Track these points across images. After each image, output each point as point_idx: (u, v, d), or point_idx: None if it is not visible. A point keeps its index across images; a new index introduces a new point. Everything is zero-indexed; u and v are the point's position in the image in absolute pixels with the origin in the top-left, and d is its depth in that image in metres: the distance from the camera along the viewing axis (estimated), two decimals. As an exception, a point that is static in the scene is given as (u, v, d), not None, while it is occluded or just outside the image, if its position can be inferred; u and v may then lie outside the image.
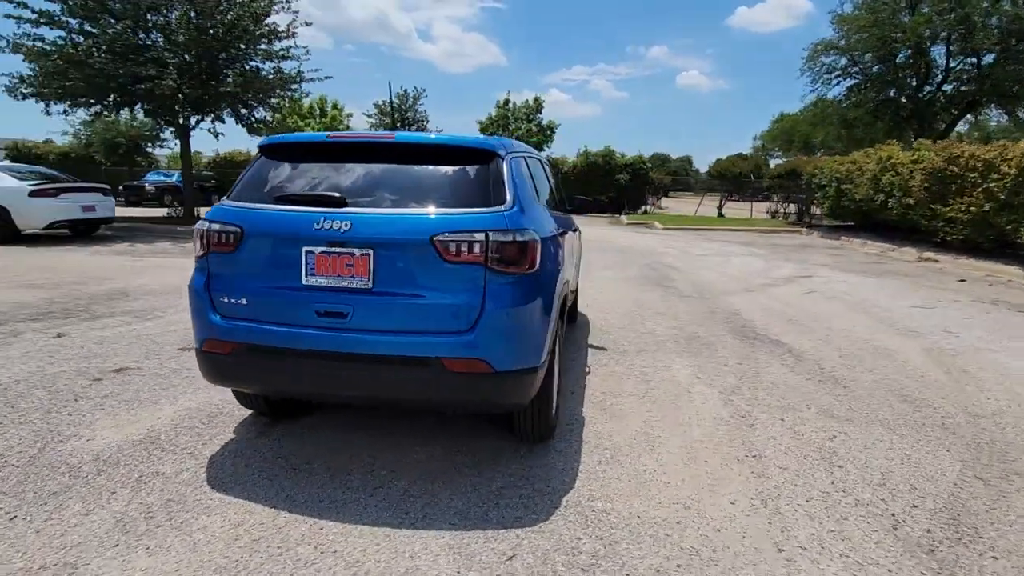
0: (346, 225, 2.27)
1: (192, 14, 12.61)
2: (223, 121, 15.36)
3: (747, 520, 2.36)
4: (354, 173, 2.48)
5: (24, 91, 12.50)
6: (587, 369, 4.23)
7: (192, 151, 16.26)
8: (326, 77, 16.05)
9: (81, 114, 14.75)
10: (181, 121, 13.94)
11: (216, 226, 2.43)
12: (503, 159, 2.59)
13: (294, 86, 15.35)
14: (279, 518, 2.26)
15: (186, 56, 13.06)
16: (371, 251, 2.28)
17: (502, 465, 2.74)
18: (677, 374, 4.18)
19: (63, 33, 11.95)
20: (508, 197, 2.47)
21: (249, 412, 3.21)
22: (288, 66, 15.02)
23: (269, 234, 2.37)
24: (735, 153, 69.06)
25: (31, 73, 12.22)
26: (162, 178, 25.30)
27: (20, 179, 10.49)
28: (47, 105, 12.87)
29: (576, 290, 5.19)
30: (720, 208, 23.97)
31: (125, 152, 27.50)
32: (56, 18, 12.18)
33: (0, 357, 4.04)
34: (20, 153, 28.94)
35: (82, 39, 11.94)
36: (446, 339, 2.27)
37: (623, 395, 3.73)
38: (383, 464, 2.71)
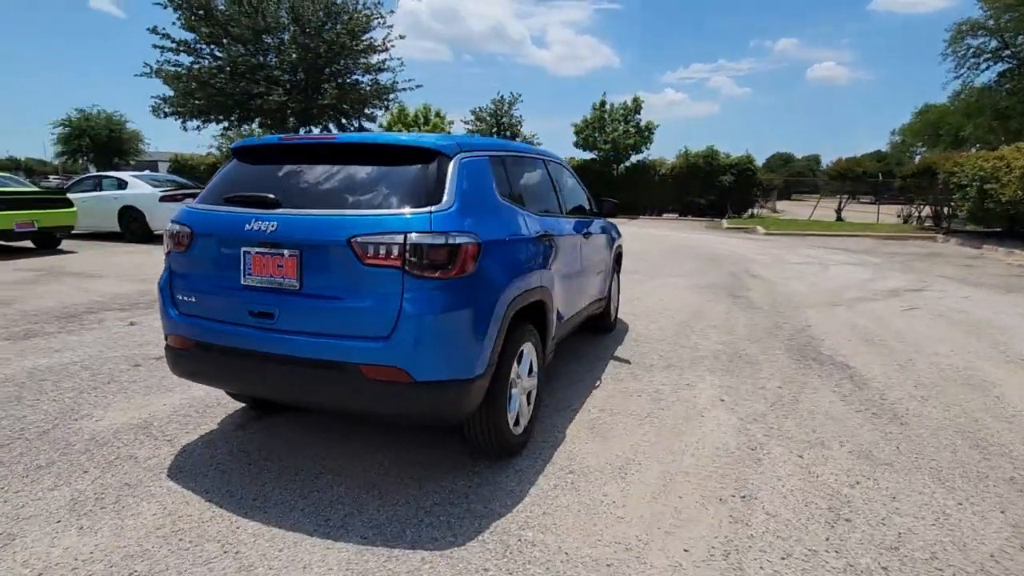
0: (273, 226, 2.28)
1: (300, 34, 13.78)
2: (329, 131, 16.69)
3: (694, 573, 2.02)
4: (300, 174, 2.49)
5: (166, 110, 14.38)
6: (597, 383, 3.94)
7: None
8: (417, 86, 16.83)
9: (216, 129, 16.75)
10: (290, 132, 15.34)
11: (176, 227, 2.57)
12: (450, 159, 2.46)
13: (390, 95, 16.23)
14: (208, 512, 2.32)
15: (297, 73, 14.31)
16: (299, 252, 2.27)
17: (449, 480, 2.60)
18: (699, 395, 3.75)
19: (193, 58, 13.60)
20: (446, 198, 2.34)
21: (242, 405, 3.36)
22: (384, 77, 15.93)
23: (212, 234, 2.45)
24: (872, 151, 62.13)
25: (171, 95, 14.03)
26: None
27: (155, 186, 12.10)
28: (183, 122, 14.73)
29: (608, 297, 4.88)
30: (839, 211, 21.64)
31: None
32: (192, 46, 13.92)
33: (74, 341, 4.63)
34: (179, 164, 33.49)
35: (207, 62, 13.52)
36: (364, 344, 2.19)
37: (623, 414, 3.41)
38: (332, 467, 2.70)
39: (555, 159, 4.01)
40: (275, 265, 2.30)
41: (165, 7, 13.11)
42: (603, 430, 3.19)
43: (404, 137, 2.49)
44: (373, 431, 3.07)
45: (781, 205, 30.82)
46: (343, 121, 15.68)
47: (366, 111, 16.08)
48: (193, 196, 12.44)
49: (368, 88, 15.60)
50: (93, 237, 12.24)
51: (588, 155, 27.04)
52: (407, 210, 2.24)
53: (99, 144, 33.38)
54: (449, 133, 29.74)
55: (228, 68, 13.48)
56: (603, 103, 26.38)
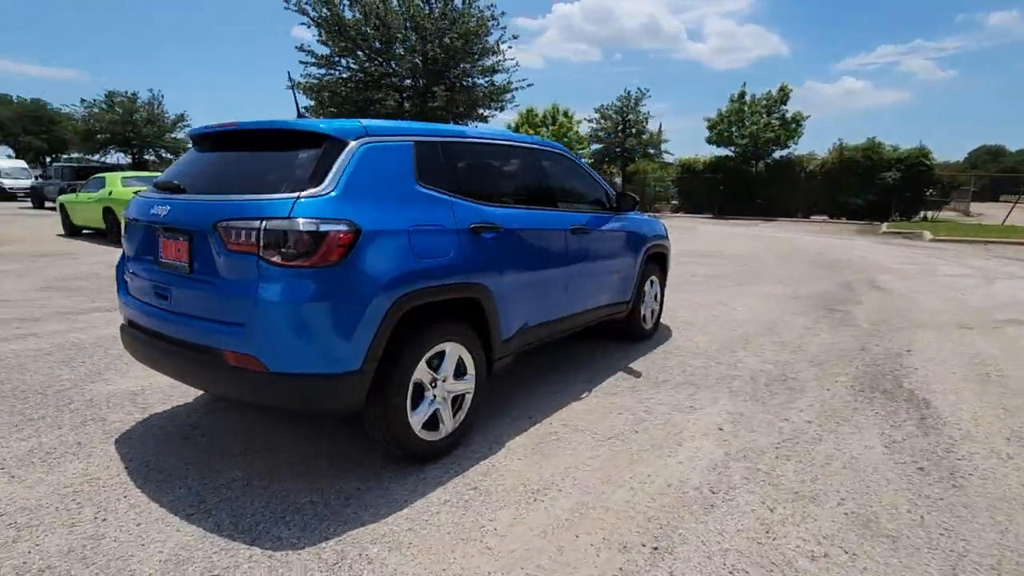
0: (166, 210, 2.35)
1: (419, 42, 14.59)
2: None
3: (520, 630, 1.68)
4: (212, 161, 2.55)
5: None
6: (584, 395, 3.55)
7: None
8: (528, 85, 16.87)
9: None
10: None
11: (125, 211, 2.79)
12: (344, 144, 2.34)
13: (504, 96, 16.51)
14: (114, 479, 2.47)
15: (415, 79, 15.19)
16: (189, 237, 2.32)
17: (346, 479, 2.49)
18: (695, 420, 3.19)
19: (325, 70, 15.09)
20: (326, 183, 2.22)
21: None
22: (499, 79, 16.26)
23: (135, 219, 2.61)
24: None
25: (311, 104, 15.70)
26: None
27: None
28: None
29: (633, 301, 4.39)
30: (1045, 215, 17.47)
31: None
32: (330, 59, 15.45)
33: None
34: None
35: (337, 73, 14.90)
36: (227, 330, 2.16)
37: (586, 432, 3.02)
38: (258, 449, 2.73)
39: (550, 148, 3.68)
40: (175, 249, 2.38)
41: (309, 27, 14.72)
42: (549, 448, 2.84)
43: (299, 122, 2.43)
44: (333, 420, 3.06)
45: (979, 207, 25.76)
46: (456, 123, 16.33)
47: (480, 112, 16.55)
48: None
49: (483, 90, 16.05)
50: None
51: (723, 151, 25.03)
52: (273, 196, 2.17)
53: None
54: (576, 132, 29.60)
55: (356, 77, 14.75)
56: (742, 94, 24.25)
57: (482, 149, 3.15)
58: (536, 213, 3.26)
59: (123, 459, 2.64)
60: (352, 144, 2.36)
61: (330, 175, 2.25)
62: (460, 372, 2.77)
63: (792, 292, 7.13)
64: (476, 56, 15.19)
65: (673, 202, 27.89)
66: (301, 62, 15.67)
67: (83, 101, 30.50)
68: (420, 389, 2.55)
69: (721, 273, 8.65)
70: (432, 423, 2.63)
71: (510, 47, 16.71)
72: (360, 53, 15.00)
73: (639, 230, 4.38)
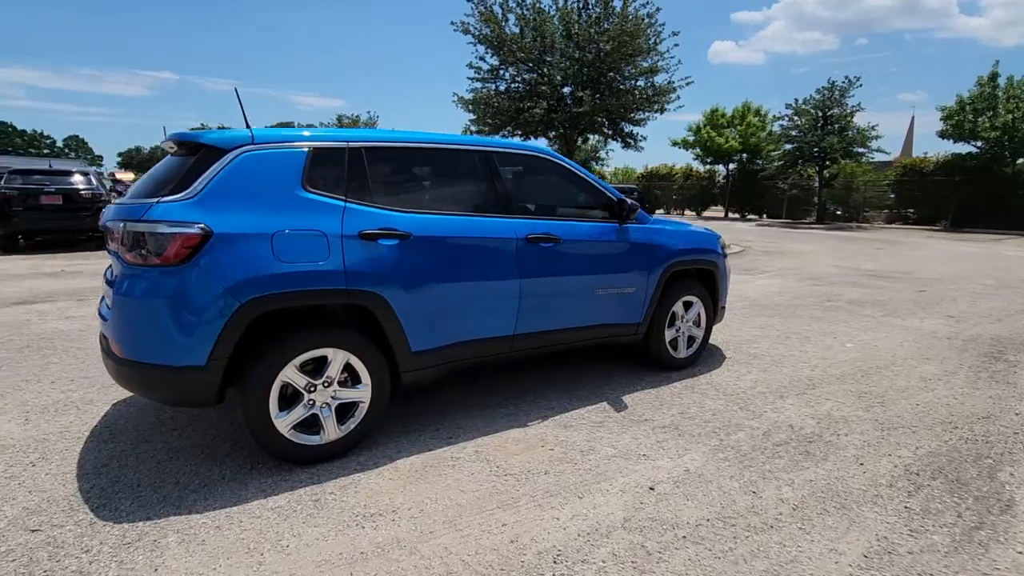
0: (109, 213, 2.70)
1: (573, 48, 14.59)
2: (608, 137, 17.25)
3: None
4: (154, 168, 2.87)
5: (472, 131, 17.28)
6: (532, 423, 3.18)
7: (626, 166, 18.71)
8: (688, 83, 15.54)
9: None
10: (551, 140, 16.43)
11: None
12: (222, 152, 2.46)
13: (666, 97, 15.61)
14: (66, 436, 2.97)
15: (568, 86, 15.24)
16: (105, 237, 2.67)
17: (216, 470, 2.62)
18: (630, 473, 2.64)
19: (482, 84, 15.94)
20: (191, 188, 2.37)
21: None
22: (660, 79, 15.45)
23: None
24: None
25: (472, 117, 16.78)
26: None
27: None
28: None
29: (647, 323, 3.80)
30: None
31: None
32: (497, 72, 16.29)
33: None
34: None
35: (494, 86, 15.65)
36: (108, 318, 2.45)
37: (490, 463, 2.71)
38: (184, 432, 3.04)
39: (519, 151, 3.37)
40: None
41: (475, 44, 15.75)
42: (435, 473, 2.61)
43: (190, 133, 2.60)
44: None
45: None
46: (606, 129, 15.88)
47: (634, 116, 15.82)
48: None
49: (642, 93, 15.35)
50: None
51: (962, 148, 20.10)
52: (144, 200, 2.39)
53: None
54: (770, 132, 26.46)
55: (511, 88, 15.34)
56: (994, 75, 19.12)
57: (412, 154, 3.03)
58: (468, 220, 3.02)
59: (95, 422, 3.16)
60: (230, 153, 2.47)
61: (197, 182, 2.40)
62: (354, 380, 2.72)
63: (956, 330, 5.43)
64: (632, 58, 14.60)
65: (891, 211, 23.28)
66: (468, 78, 16.84)
67: (329, 122, 37.38)
68: (293, 391, 2.57)
69: (876, 299, 6.98)
70: (313, 427, 2.63)
71: (676, 45, 15.74)
72: (520, 65, 15.54)
73: (656, 242, 3.76)
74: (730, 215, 29.18)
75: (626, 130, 16.36)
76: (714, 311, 4.29)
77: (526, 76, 15.49)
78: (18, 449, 2.77)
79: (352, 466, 2.67)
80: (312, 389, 2.60)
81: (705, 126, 27.23)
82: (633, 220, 3.69)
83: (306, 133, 2.73)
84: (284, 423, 2.54)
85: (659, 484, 2.54)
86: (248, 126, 2.91)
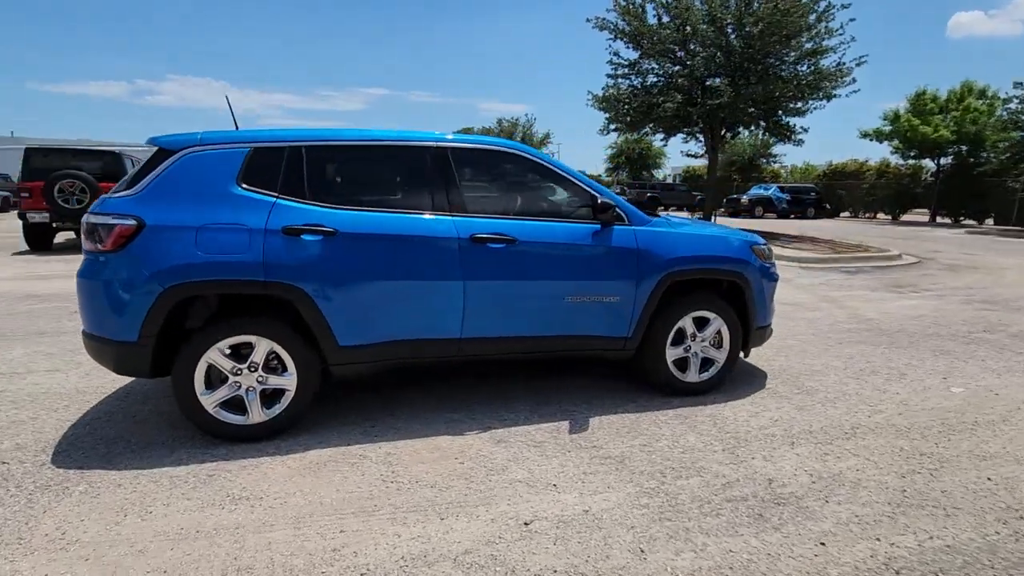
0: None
1: (717, 35, 13.39)
2: (765, 130, 15.59)
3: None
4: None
5: (610, 128, 16.84)
6: (471, 432, 3.01)
7: (806, 163, 16.96)
8: (862, 62, 13.08)
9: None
10: (690, 136, 15.12)
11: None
12: (171, 153, 2.75)
13: (834, 81, 13.53)
14: (100, 392, 3.56)
15: (714, 76, 14.03)
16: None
17: (166, 438, 2.94)
18: (519, 502, 2.36)
19: (614, 81, 15.34)
20: (138, 186, 2.69)
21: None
22: (827, 63, 13.47)
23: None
24: None
25: (609, 115, 16.30)
26: (760, 191, 27.05)
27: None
28: (625, 136, 16.90)
29: (637, 337, 3.35)
30: None
31: (740, 168, 30.92)
32: (639, 67, 15.63)
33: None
34: (689, 176, 37.13)
35: (631, 80, 14.99)
36: (82, 295, 2.90)
37: (389, 466, 2.63)
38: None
39: (481, 147, 3.21)
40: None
41: (613, 40, 15.25)
42: (329, 470, 2.61)
43: (157, 136, 2.91)
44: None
45: None
46: (761, 121, 14.09)
47: (792, 105, 13.83)
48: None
49: (802, 79, 13.41)
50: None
51: None
52: (107, 196, 2.77)
53: (632, 161, 41.10)
54: (997, 119, 21.21)
55: (647, 83, 14.55)
56: None
57: (355, 152, 3.04)
58: (402, 218, 2.93)
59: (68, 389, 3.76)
60: (177, 154, 2.76)
61: (145, 179, 2.72)
62: (282, 368, 2.86)
63: None
64: (788, 40, 12.83)
65: None
66: (607, 75, 16.37)
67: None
68: (218, 372, 2.78)
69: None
70: (241, 408, 2.82)
71: (852, 20, 13.45)
72: (660, 57, 14.70)
73: (648, 247, 3.27)
74: (938, 219, 24.13)
75: (782, 122, 14.50)
76: (747, 330, 3.62)
77: (666, 68, 14.60)
78: (58, 397, 3.42)
79: (269, 449, 2.80)
80: (238, 372, 2.79)
81: (906, 113, 22.83)
82: (622, 222, 3.28)
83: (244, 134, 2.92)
84: (209, 401, 2.77)
85: (540, 520, 2.23)
86: (236, 127, 3.21)
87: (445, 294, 2.99)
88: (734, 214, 26.08)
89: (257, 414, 2.83)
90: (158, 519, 2.21)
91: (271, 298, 2.80)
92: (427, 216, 2.99)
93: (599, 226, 3.23)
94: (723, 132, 15.42)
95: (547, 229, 3.16)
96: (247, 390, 2.81)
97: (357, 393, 3.51)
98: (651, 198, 25.51)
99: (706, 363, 3.57)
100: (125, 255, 2.62)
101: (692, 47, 14.00)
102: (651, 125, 15.31)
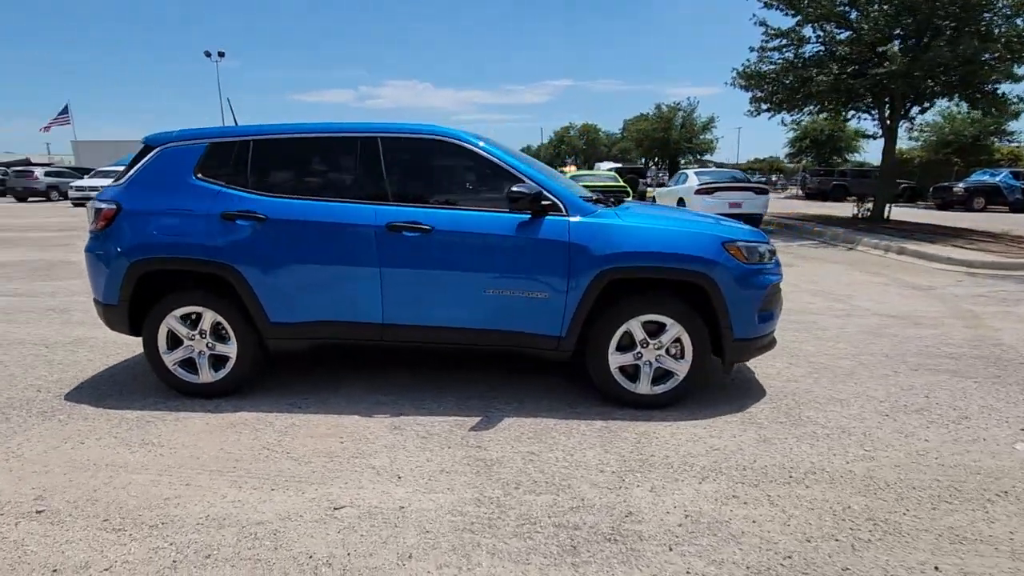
0: None
1: None
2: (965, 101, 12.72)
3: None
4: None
5: (762, 108, 15.08)
6: (380, 415, 3.07)
7: None
8: None
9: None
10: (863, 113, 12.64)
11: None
12: (153, 148, 3.25)
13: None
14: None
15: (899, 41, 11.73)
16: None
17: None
18: (363, 484, 2.39)
19: (758, 56, 13.51)
20: (127, 176, 3.25)
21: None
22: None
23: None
24: None
25: (761, 94, 14.55)
26: (983, 178, 21.76)
27: (698, 177, 13.54)
28: (780, 116, 15.01)
29: (570, 337, 3.08)
30: None
31: (958, 150, 25.22)
32: (797, 34, 13.70)
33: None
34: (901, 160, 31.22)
35: (779, 55, 13.13)
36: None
37: (261, 431, 2.84)
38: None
39: (404, 135, 3.21)
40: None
41: (764, 7, 13.50)
42: (226, 431, 2.91)
43: (148, 136, 3.41)
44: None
45: None
46: (956, 92, 11.19)
47: (1007, 68, 10.72)
48: (725, 190, 13.07)
49: (1012, 36, 10.41)
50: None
51: None
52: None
53: (819, 144, 36.05)
54: None
55: (800, 55, 12.58)
56: None
57: (295, 144, 3.23)
58: (325, 205, 3.06)
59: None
60: (156, 149, 3.26)
61: (131, 171, 3.27)
62: (227, 338, 3.24)
63: None
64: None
65: None
66: (752, 48, 14.48)
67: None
68: (175, 337, 3.25)
69: None
70: (192, 368, 3.28)
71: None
72: (821, 21, 12.65)
73: (580, 241, 2.96)
74: None
75: (989, 89, 11.52)
76: (719, 342, 3.09)
77: (830, 32, 12.55)
78: (117, 346, 4.29)
79: (209, 407, 3.20)
80: (191, 338, 3.24)
81: None
82: (558, 212, 3.03)
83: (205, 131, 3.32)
84: (170, 359, 3.26)
85: (350, 508, 2.25)
86: (236, 123, 3.68)
87: (364, 280, 3.09)
88: (944, 206, 21.40)
89: (206, 375, 3.26)
90: (82, 449, 2.72)
91: (213, 276, 3.18)
92: (350, 204, 3.11)
93: (528, 216, 3.03)
94: (906, 106, 12.76)
95: (465, 218, 3.06)
96: (199, 353, 3.25)
97: (319, 369, 3.78)
98: (631, 181, 20.56)
99: (663, 375, 3.14)
100: (108, 233, 3.20)
101: (864, 4, 11.80)
102: (808, 103, 13.29)
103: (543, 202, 3.01)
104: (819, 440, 2.82)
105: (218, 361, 3.28)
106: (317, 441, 2.81)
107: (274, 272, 3.11)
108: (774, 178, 42.92)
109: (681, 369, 3.11)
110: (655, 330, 3.09)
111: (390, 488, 2.39)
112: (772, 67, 13.30)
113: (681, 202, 13.54)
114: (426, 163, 3.29)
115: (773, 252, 3.31)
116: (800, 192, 30.50)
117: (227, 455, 2.67)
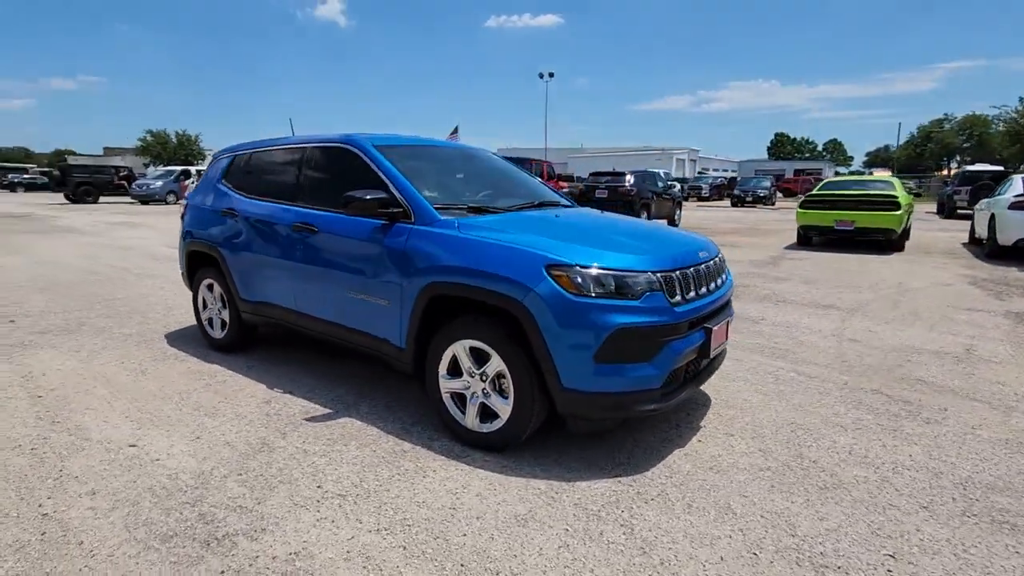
0: None
1: None
2: None
3: None
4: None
5: None
6: (314, 405, 3.52)
7: None
8: None
9: None
10: None
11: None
12: (215, 160, 4.40)
13: None
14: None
15: None
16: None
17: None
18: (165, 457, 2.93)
19: None
20: (200, 180, 4.49)
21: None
22: None
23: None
24: None
25: None
26: None
27: None
28: None
29: (399, 347, 2.95)
30: None
31: None
32: None
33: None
34: None
35: None
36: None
37: (217, 385, 3.56)
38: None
39: (337, 144, 3.48)
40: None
41: None
42: (193, 374, 3.76)
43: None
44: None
45: None
46: None
47: None
48: None
49: None
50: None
51: None
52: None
53: None
54: None
55: None
56: None
57: (271, 155, 3.91)
58: (268, 206, 3.69)
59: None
60: (216, 159, 4.41)
61: (204, 175, 4.49)
62: (225, 304, 4.19)
63: None
64: None
65: None
66: None
67: None
68: (204, 301, 4.36)
69: None
70: (211, 326, 4.34)
71: None
72: None
73: (410, 251, 2.80)
74: None
75: None
76: (541, 380, 2.52)
77: None
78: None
79: (200, 354, 4.17)
80: (211, 303, 4.30)
81: None
82: (407, 219, 2.95)
83: (236, 147, 4.28)
84: (203, 317, 4.40)
85: (139, 447, 2.78)
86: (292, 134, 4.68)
87: (281, 270, 3.61)
88: None
89: (219, 333, 4.27)
90: (105, 381, 3.97)
91: (213, 256, 4.15)
92: (279, 205, 3.66)
93: (382, 223, 3.03)
94: None
95: (338, 221, 3.25)
96: (215, 315, 4.29)
97: (319, 353, 4.41)
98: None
99: (489, 414, 2.73)
100: (184, 220, 4.49)
101: None
102: None
103: (393, 209, 2.97)
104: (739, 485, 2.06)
105: (225, 323, 4.25)
106: (212, 389, 3.44)
107: (237, 257, 3.92)
108: None
109: (503, 411, 2.65)
110: (481, 359, 2.71)
111: (189, 443, 2.84)
112: None
113: (993, 220, 9.70)
114: (332, 169, 3.54)
115: (657, 286, 2.47)
116: None
117: (156, 391, 3.53)
